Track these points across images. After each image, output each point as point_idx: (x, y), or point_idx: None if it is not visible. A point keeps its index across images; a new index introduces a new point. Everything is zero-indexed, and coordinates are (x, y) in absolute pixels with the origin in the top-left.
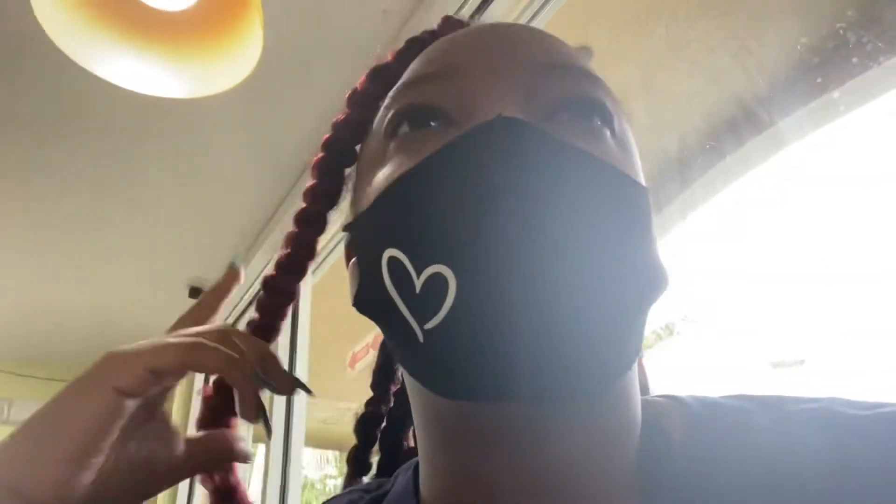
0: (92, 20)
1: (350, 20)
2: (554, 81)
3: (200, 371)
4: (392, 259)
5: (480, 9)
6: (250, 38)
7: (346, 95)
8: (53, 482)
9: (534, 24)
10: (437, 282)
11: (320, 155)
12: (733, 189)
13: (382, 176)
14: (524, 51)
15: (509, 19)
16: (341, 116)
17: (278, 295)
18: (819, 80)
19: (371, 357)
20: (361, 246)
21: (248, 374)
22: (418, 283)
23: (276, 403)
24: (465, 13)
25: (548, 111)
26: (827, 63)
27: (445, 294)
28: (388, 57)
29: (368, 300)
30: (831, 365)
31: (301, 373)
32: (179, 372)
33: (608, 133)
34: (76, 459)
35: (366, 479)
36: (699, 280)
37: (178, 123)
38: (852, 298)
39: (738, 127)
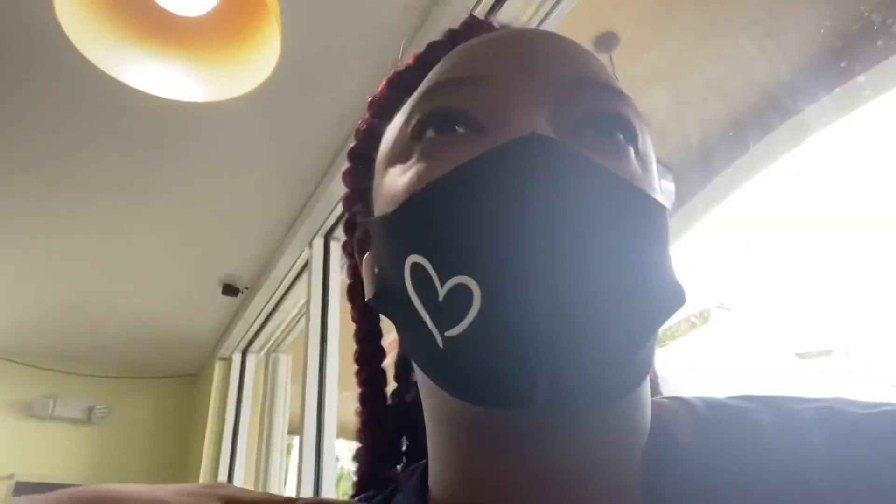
0: (113, 25)
1: (369, 16)
2: (581, 96)
3: None
4: (416, 265)
5: None
6: (268, 41)
7: (367, 101)
8: None
9: (557, 11)
10: (461, 293)
11: (347, 165)
12: (760, 178)
13: (408, 179)
14: (554, 63)
15: (531, 9)
16: (362, 125)
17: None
18: (844, 64)
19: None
20: (382, 247)
21: None
22: (441, 292)
23: (308, 395)
24: (487, 4)
25: (574, 126)
26: (851, 47)
27: (469, 305)
28: (409, 60)
29: (388, 302)
30: (866, 354)
31: (332, 367)
32: None
33: (632, 150)
34: None
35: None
36: (734, 268)
37: (202, 126)
38: (883, 286)
39: (764, 114)
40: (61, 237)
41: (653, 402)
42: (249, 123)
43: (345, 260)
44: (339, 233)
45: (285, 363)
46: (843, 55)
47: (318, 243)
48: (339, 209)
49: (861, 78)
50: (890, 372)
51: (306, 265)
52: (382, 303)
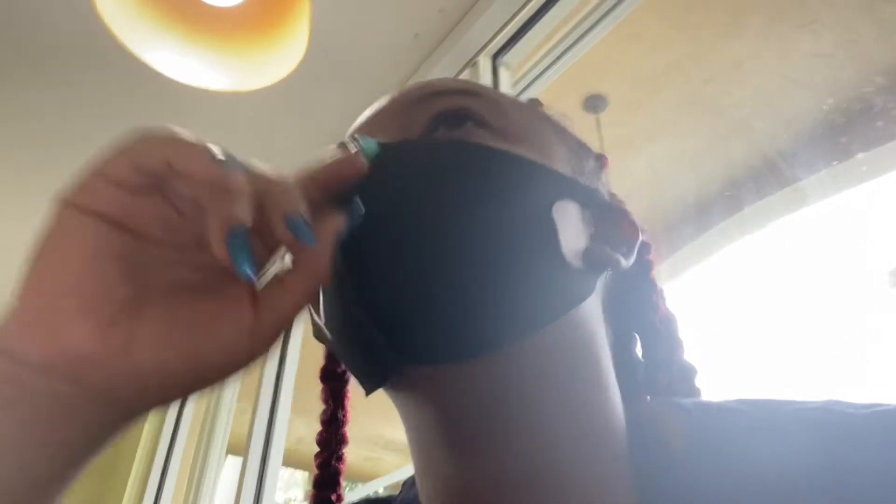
0: (146, 9)
1: (383, 40)
2: (427, 105)
3: (183, 171)
4: None
5: (508, 45)
6: (296, 35)
7: None
8: (47, 332)
9: (554, 68)
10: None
11: None
12: (752, 239)
13: None
14: (402, 93)
15: (534, 59)
16: None
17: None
18: (844, 140)
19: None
20: None
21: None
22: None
23: (258, 415)
24: (493, 48)
25: (425, 129)
26: (852, 124)
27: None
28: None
29: (313, 327)
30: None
31: (287, 389)
32: (154, 173)
33: (484, 132)
34: (67, 305)
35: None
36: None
37: (213, 117)
38: (864, 357)
39: (762, 178)
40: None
41: (645, 407)
42: (259, 118)
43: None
44: None
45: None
46: (843, 132)
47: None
48: None
49: (860, 155)
50: None
51: None
52: (314, 332)
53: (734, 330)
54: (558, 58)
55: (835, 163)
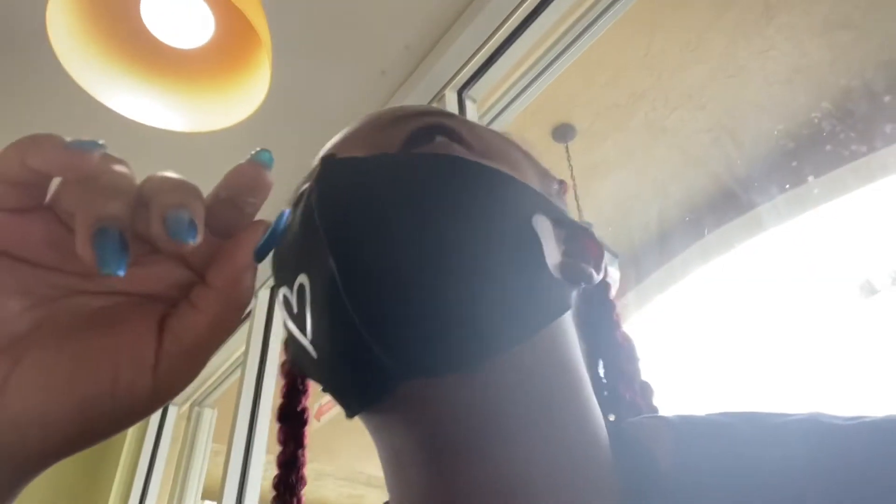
0: (105, 51)
1: (350, 77)
2: (401, 125)
3: (36, 166)
4: (284, 296)
5: (474, 79)
6: (258, 75)
7: None
8: None
9: (520, 100)
10: (301, 291)
11: None
12: (715, 265)
13: None
14: (375, 115)
15: (500, 91)
16: None
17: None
18: (795, 163)
19: (337, 412)
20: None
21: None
22: (294, 301)
23: (232, 456)
24: (459, 82)
25: (402, 146)
26: (802, 148)
27: (306, 298)
28: None
29: (292, 356)
30: None
31: (262, 428)
32: (18, 181)
33: (461, 147)
34: None
35: None
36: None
37: (174, 157)
38: (821, 379)
39: (720, 205)
40: None
41: (631, 423)
42: (220, 160)
43: (280, 379)
44: (284, 289)
45: (209, 418)
46: (794, 156)
47: (265, 294)
48: None
49: (810, 178)
50: None
51: (248, 315)
52: (291, 361)
53: (706, 353)
54: (524, 90)
55: (787, 186)
